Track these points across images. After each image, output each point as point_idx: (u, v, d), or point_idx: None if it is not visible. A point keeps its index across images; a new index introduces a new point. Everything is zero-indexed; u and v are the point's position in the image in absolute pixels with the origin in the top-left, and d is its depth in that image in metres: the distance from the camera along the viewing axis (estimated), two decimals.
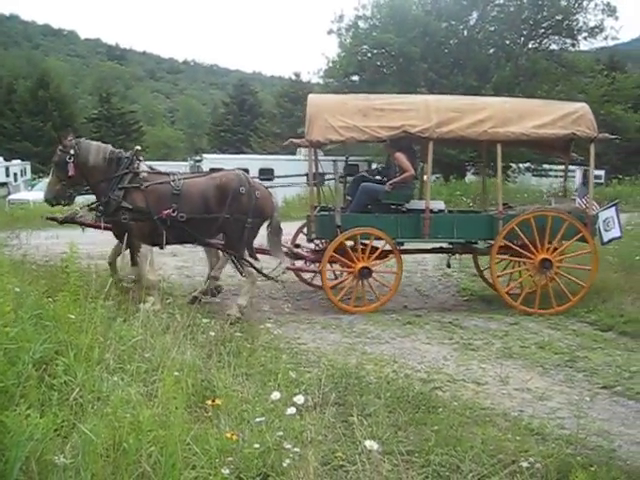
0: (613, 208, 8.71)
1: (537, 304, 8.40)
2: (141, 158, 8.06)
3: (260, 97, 66.96)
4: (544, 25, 31.40)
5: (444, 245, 9.36)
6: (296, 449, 3.28)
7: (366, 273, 8.55)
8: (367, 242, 8.72)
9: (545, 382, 5.73)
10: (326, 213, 9.14)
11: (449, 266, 9.96)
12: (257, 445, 3.31)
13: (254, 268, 7.94)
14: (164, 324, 5.79)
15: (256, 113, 59.76)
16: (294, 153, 37.55)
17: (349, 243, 8.66)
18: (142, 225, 7.54)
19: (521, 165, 31.57)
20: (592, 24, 30.84)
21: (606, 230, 8.66)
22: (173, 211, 7.48)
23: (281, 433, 3.48)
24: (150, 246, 7.68)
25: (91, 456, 3.15)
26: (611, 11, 30.47)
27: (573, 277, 8.59)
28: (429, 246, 9.46)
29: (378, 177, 9.45)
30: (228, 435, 3.32)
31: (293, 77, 59.77)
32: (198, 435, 3.53)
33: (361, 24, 31.60)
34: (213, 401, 3.82)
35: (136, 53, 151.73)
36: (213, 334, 5.73)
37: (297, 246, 9.52)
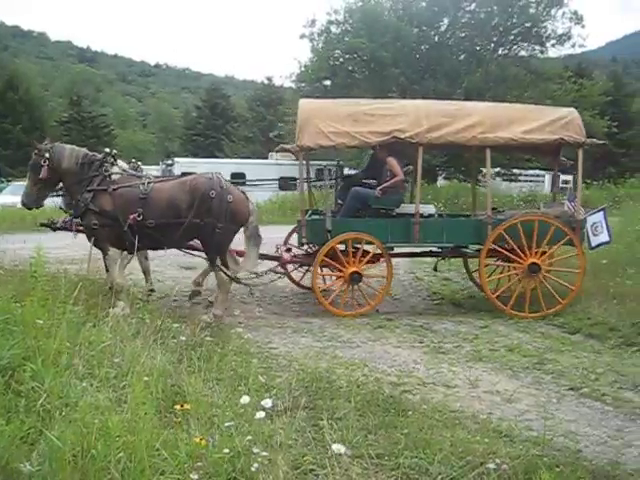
0: (601, 213, 8.77)
1: (527, 308, 8.45)
2: (118, 161, 8.04)
3: (232, 101, 66.73)
4: (514, 32, 31.81)
5: (434, 249, 9.41)
6: (265, 453, 3.28)
7: (357, 278, 8.60)
8: (359, 246, 8.75)
9: (514, 384, 5.79)
10: (317, 218, 9.18)
11: (436, 269, 10.10)
12: (227, 450, 3.31)
13: (226, 275, 7.83)
14: (134, 329, 5.77)
15: (228, 117, 59.58)
16: (266, 157, 37.52)
17: (341, 247, 8.67)
18: (110, 229, 7.50)
19: (491, 170, 31.89)
20: (560, 32, 31.40)
21: (594, 235, 8.72)
22: (139, 215, 7.40)
23: (250, 437, 3.48)
24: (119, 250, 7.67)
25: (58, 463, 3.13)
26: (578, 19, 31.04)
27: (562, 281, 8.66)
28: (419, 250, 9.53)
29: (372, 181, 9.42)
30: (197, 440, 3.31)
31: (265, 81, 59.87)
32: (167, 440, 3.52)
33: (333, 29, 31.71)
34: (182, 406, 3.81)
35: (107, 56, 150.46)
36: (184, 339, 5.69)
37: (289, 250, 9.50)
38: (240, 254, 8.53)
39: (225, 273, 7.79)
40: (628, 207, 19.69)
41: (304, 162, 9.29)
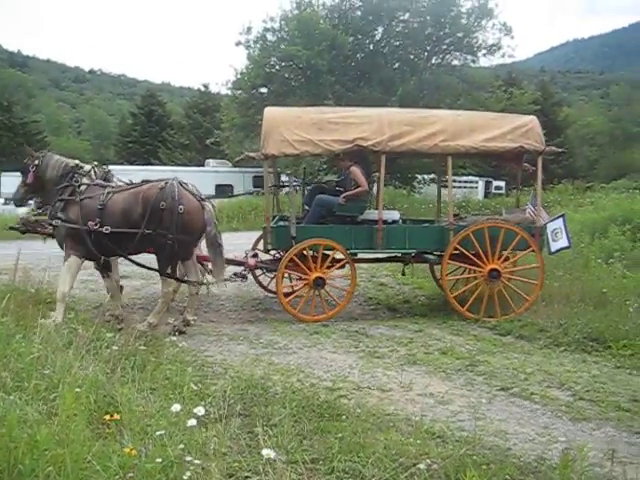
0: (561, 219, 8.84)
1: (482, 312, 8.57)
2: (98, 169, 8.46)
3: (169, 108, 65.89)
4: (446, 42, 32.59)
5: (398, 255, 9.48)
6: (198, 461, 3.26)
7: (320, 283, 8.67)
8: (329, 252, 8.82)
9: (446, 386, 5.90)
10: (282, 224, 9.19)
11: (404, 274, 10.23)
12: (159, 459, 3.27)
13: (177, 279, 7.99)
14: (66, 339, 5.65)
15: (164, 124, 58.80)
16: (203, 165, 37.20)
17: (310, 253, 8.72)
18: (73, 236, 7.68)
19: (426, 176, 32.48)
20: (490, 42, 32.34)
21: (554, 240, 8.79)
22: (96, 224, 7.51)
23: (183, 446, 3.45)
24: (79, 259, 7.80)
25: None
26: (507, 30, 32.08)
27: (520, 287, 8.81)
28: (383, 256, 9.61)
29: (337, 188, 9.52)
30: (128, 450, 3.26)
31: (202, 88, 59.40)
32: (99, 452, 3.45)
33: (269, 36, 31.82)
34: (112, 416, 3.75)
35: (39, 61, 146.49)
36: (116, 348, 5.60)
37: (255, 255, 9.46)
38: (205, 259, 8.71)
39: (178, 280, 8.02)
40: (557, 212, 20.25)
41: (270, 170, 9.32)
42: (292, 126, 8.81)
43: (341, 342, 7.52)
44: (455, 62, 33.76)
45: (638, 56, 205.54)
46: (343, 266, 9.08)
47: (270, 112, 9.25)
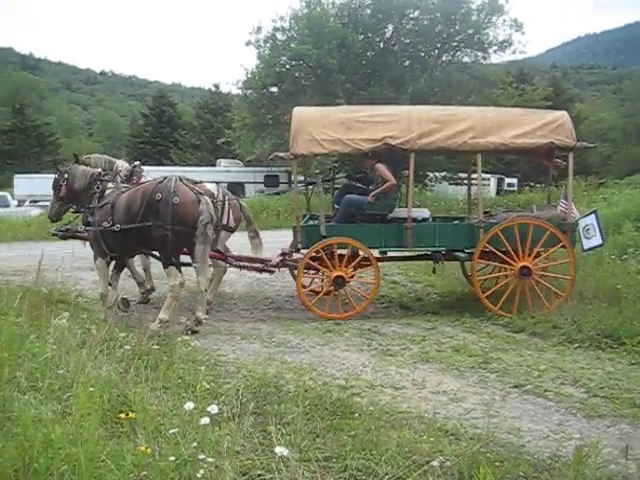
0: (593, 215, 8.72)
1: (515, 310, 8.50)
2: (119, 162, 9.50)
3: (179, 108, 66.09)
4: (457, 39, 32.44)
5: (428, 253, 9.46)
6: (211, 460, 3.27)
7: (340, 282, 8.72)
8: (359, 252, 8.87)
9: (460, 384, 5.89)
10: (312, 224, 9.25)
11: (434, 272, 10.11)
12: (172, 457, 3.29)
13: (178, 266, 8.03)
14: (80, 339, 5.69)
15: (175, 124, 59.00)
16: (214, 165, 37.28)
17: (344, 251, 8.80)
18: (96, 240, 8.20)
19: (437, 174, 32.40)
20: (501, 38, 32.18)
21: (586, 237, 8.68)
22: (108, 222, 7.94)
23: (196, 444, 3.46)
24: (104, 260, 8.32)
25: None
26: (518, 27, 31.88)
27: (553, 284, 8.73)
28: (413, 254, 9.62)
29: (366, 187, 9.56)
30: (142, 449, 3.28)
31: (212, 88, 59.55)
32: (113, 451, 3.47)
33: (279, 36, 31.80)
34: (127, 415, 3.76)
35: (51, 63, 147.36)
36: (129, 348, 5.63)
37: (283, 254, 9.47)
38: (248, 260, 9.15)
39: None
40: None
41: (299, 169, 9.48)
42: (321, 125, 8.85)
43: (354, 340, 7.52)
44: (466, 59, 33.64)
45: None
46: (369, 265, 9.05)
47: (299, 112, 9.30)
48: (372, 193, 9.03)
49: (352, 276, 9.22)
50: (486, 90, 31.86)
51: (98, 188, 8.43)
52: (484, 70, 33.39)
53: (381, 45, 32.64)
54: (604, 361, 6.62)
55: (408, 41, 32.94)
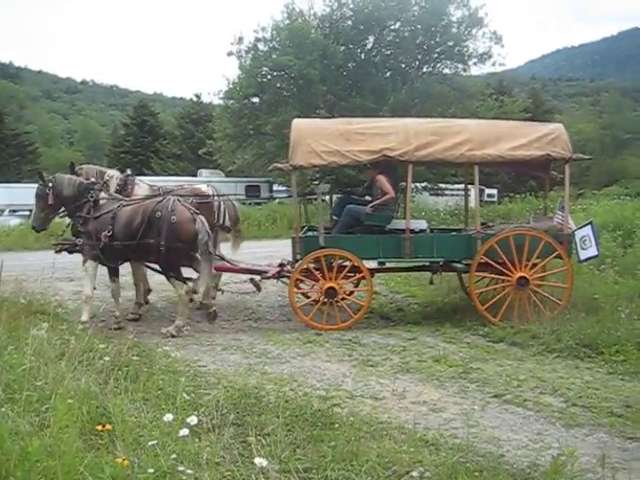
0: (589, 226, 8.72)
1: (515, 319, 8.47)
2: (109, 171, 9.84)
3: (161, 118, 65.86)
4: (437, 50, 32.74)
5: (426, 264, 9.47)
6: (190, 471, 3.25)
7: (332, 293, 8.73)
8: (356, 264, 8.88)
9: (440, 394, 5.91)
10: (311, 234, 9.30)
11: (432, 283, 10.10)
12: (151, 470, 3.27)
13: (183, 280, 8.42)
14: (59, 350, 5.64)
15: (157, 134, 58.76)
16: (195, 175, 37.22)
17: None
18: (90, 246, 8.53)
19: (418, 184, 32.59)
20: (481, 51, 32.51)
21: (583, 248, 8.68)
22: (108, 232, 8.33)
23: (175, 456, 3.44)
24: (94, 262, 8.65)
25: None
26: (498, 39, 32.27)
27: (550, 294, 8.75)
28: (411, 265, 9.63)
29: (363, 198, 9.63)
30: (119, 461, 3.25)
31: (194, 98, 59.48)
32: (92, 463, 3.44)
33: (261, 46, 31.86)
34: (103, 426, 3.74)
35: (31, 72, 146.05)
36: (109, 359, 5.59)
37: (281, 265, 9.55)
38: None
39: (181, 280, 8.42)
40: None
41: (297, 181, 9.42)
42: (319, 137, 8.90)
43: (334, 351, 7.52)
44: (446, 71, 33.94)
45: (628, 64, 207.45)
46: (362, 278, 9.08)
47: (298, 123, 9.37)
48: (370, 204, 9.07)
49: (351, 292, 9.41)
50: (466, 102, 32.12)
51: (91, 197, 8.65)
52: (464, 82, 33.72)
53: (362, 56, 32.83)
54: (582, 370, 6.67)
55: (389, 52, 33.20)
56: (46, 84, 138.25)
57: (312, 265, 8.93)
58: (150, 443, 3.51)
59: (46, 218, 9.06)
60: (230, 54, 31.99)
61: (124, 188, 9.42)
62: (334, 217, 9.77)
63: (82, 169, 9.65)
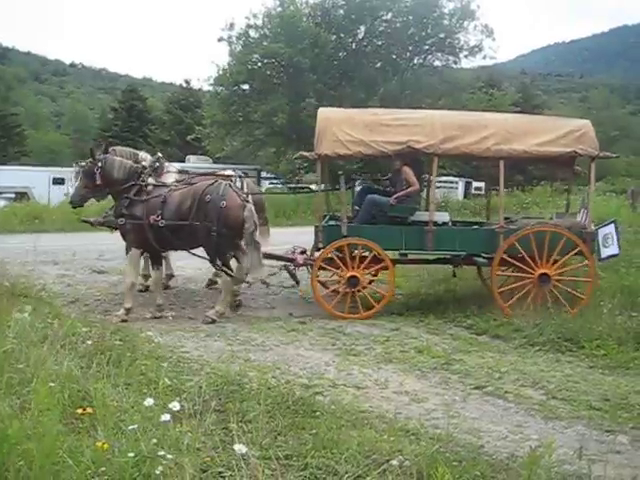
0: (612, 225, 8.70)
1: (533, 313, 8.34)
2: (141, 153, 9.84)
3: (150, 103, 65.51)
4: (428, 42, 32.61)
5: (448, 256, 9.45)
6: (170, 456, 3.25)
7: (355, 282, 8.77)
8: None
9: (422, 384, 5.96)
10: (333, 223, 9.35)
11: (455, 276, 10.06)
12: (132, 454, 3.27)
13: (228, 275, 8.43)
14: (41, 334, 5.62)
15: (145, 119, 58.45)
16: (183, 161, 37.02)
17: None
18: (135, 231, 8.49)
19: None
20: (472, 43, 32.39)
21: (604, 246, 8.66)
22: (157, 216, 8.29)
23: (156, 441, 3.44)
24: (139, 250, 8.67)
25: None
26: (489, 32, 32.12)
27: (572, 290, 8.68)
28: (432, 257, 9.61)
29: (387, 189, 9.63)
30: (98, 445, 3.25)
31: (183, 84, 59.14)
32: (72, 447, 3.44)
33: (252, 33, 31.60)
34: (84, 410, 3.73)
35: (19, 53, 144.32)
36: (91, 343, 5.57)
37: (303, 252, 9.63)
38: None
39: (227, 273, 8.43)
40: (534, 213, 20.53)
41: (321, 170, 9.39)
42: (345, 127, 8.94)
43: (318, 340, 7.55)
44: (437, 63, 33.83)
45: (617, 61, 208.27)
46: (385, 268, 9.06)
47: (324, 113, 9.42)
48: (395, 196, 9.09)
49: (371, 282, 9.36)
50: (456, 94, 32.11)
51: (143, 182, 8.70)
52: (454, 74, 33.68)
53: (353, 46, 32.68)
54: (563, 364, 6.74)
55: (380, 43, 33.07)
56: (34, 65, 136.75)
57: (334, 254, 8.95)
58: (130, 427, 3.51)
59: (86, 196, 9.10)
60: (221, 40, 31.71)
61: (154, 171, 9.36)
62: (355, 207, 9.81)
63: (115, 150, 9.63)
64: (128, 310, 8.30)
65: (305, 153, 9.40)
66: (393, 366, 6.55)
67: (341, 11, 31.81)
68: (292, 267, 9.49)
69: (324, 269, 9.21)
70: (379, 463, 3.80)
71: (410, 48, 32.94)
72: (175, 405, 3.56)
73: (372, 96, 29.56)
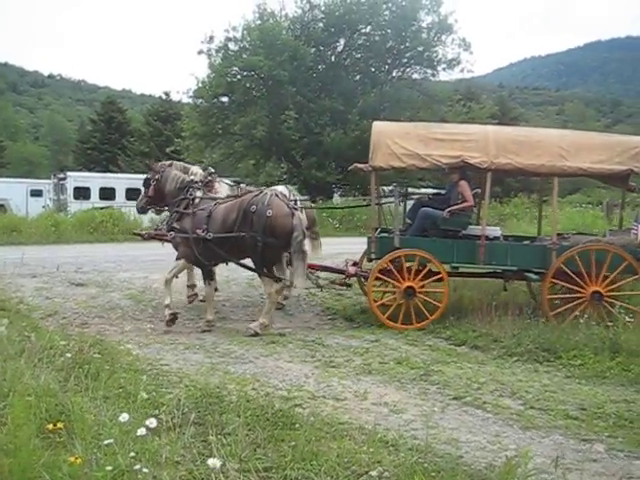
0: None
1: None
2: (193, 168, 9.72)
3: (129, 115, 65.24)
4: (407, 55, 33.00)
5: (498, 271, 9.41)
6: (146, 470, 3.24)
7: (411, 293, 8.82)
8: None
9: (401, 396, 5.96)
10: (386, 235, 9.37)
11: (505, 290, 9.97)
12: (109, 468, 3.25)
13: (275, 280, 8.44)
14: (18, 347, 5.57)
15: (124, 131, 58.20)
16: None
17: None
18: (186, 245, 8.61)
19: (385, 188, 32.75)
20: (450, 57, 32.82)
21: None
22: (203, 230, 8.35)
23: (134, 454, 3.42)
24: (188, 264, 8.92)
25: None
26: (466, 46, 32.63)
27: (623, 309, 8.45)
28: (483, 271, 9.58)
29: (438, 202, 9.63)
30: (72, 459, 3.23)
31: (163, 96, 59.02)
32: (49, 461, 3.42)
33: (231, 46, 31.74)
34: (55, 425, 3.70)
35: None
36: (69, 356, 5.53)
37: (355, 264, 9.74)
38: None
39: (273, 278, 8.43)
40: (512, 224, 20.75)
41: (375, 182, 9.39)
42: (400, 140, 8.96)
43: (297, 352, 7.53)
44: (415, 76, 34.28)
45: (592, 75, 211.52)
46: (440, 279, 9.03)
47: (379, 126, 9.45)
48: (449, 209, 9.09)
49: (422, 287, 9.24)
50: (434, 107, 32.45)
51: (191, 195, 8.80)
52: (433, 87, 34.10)
53: (332, 59, 32.96)
54: (541, 374, 6.79)
55: (359, 56, 33.37)
56: (12, 77, 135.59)
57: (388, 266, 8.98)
58: (107, 442, 3.49)
59: (145, 205, 9.53)
60: (200, 52, 31.82)
61: (206, 185, 9.40)
62: (408, 220, 9.88)
63: (173, 164, 9.79)
64: (167, 306, 8.56)
65: (360, 165, 9.34)
66: (372, 377, 6.54)
67: (320, 24, 32.07)
68: (343, 278, 9.67)
69: (379, 279, 9.27)
70: (358, 474, 3.82)
71: (389, 61, 33.31)
72: (152, 422, 3.52)
73: (351, 108, 29.74)
